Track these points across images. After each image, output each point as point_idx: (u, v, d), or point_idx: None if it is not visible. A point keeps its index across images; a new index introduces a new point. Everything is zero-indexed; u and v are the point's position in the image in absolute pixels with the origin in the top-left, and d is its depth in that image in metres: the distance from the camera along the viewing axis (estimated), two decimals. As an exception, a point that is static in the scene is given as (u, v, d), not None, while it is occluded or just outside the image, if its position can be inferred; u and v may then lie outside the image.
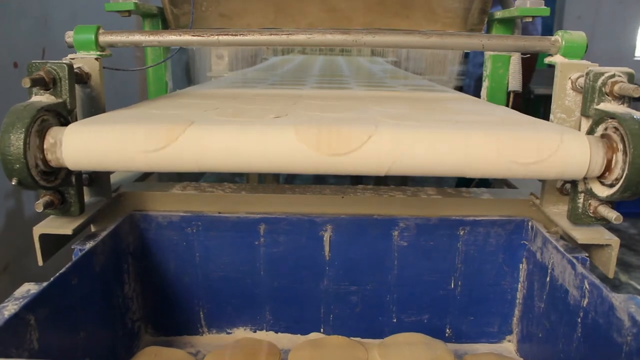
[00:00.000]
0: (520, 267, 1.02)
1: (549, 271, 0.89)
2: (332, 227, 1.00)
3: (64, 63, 0.80)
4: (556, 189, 0.92)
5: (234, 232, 1.00)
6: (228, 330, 1.08)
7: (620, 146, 0.73)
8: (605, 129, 0.77)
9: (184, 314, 1.07)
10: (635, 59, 5.97)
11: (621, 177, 0.73)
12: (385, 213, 1.00)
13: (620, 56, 5.65)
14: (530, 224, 0.98)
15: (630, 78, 0.78)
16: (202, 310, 1.06)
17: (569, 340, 0.82)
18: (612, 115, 0.75)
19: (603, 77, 0.78)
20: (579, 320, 0.79)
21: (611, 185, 0.75)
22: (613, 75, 0.77)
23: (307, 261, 1.02)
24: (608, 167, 0.75)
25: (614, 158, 0.74)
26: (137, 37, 0.93)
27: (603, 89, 0.78)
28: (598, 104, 0.79)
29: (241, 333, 1.08)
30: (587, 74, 0.80)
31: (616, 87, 0.76)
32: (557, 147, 0.74)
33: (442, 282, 1.04)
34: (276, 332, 1.08)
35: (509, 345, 1.06)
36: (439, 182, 2.91)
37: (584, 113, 0.81)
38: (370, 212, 1.00)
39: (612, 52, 5.39)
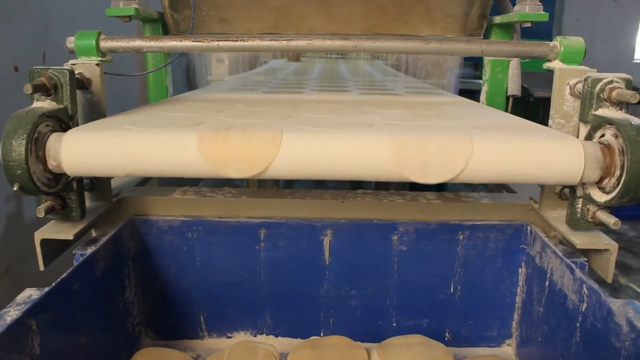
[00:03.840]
0: (520, 271, 1.02)
1: (548, 276, 0.90)
2: (332, 231, 1.00)
3: (65, 69, 0.81)
4: (555, 194, 0.93)
5: (234, 237, 1.01)
6: (229, 335, 1.08)
7: (618, 152, 0.74)
8: (603, 134, 0.77)
9: (184, 318, 1.07)
10: (635, 61, 5.98)
11: (619, 182, 0.73)
12: (385, 217, 1.00)
13: (620, 59, 5.67)
14: (529, 228, 0.98)
15: (628, 84, 0.78)
16: (202, 314, 1.07)
17: (568, 344, 0.82)
18: (610, 121, 0.75)
19: (601, 83, 0.78)
20: (578, 325, 0.79)
21: (609, 191, 0.76)
22: (611, 81, 0.78)
23: (307, 265, 1.03)
24: (606, 173, 0.75)
25: (611, 164, 0.74)
26: (138, 43, 0.93)
27: (601, 94, 0.79)
28: (596, 109, 0.79)
29: (241, 337, 1.08)
30: (585, 79, 0.80)
31: (614, 93, 0.76)
32: (551, 153, 0.75)
33: (442, 287, 1.04)
34: (276, 336, 1.08)
35: (508, 349, 1.07)
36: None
37: (582, 119, 0.82)
38: (370, 217, 1.00)
39: (611, 55, 5.41)
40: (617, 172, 0.74)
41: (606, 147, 0.75)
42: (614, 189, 0.74)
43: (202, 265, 1.03)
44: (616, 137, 0.74)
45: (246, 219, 1.00)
